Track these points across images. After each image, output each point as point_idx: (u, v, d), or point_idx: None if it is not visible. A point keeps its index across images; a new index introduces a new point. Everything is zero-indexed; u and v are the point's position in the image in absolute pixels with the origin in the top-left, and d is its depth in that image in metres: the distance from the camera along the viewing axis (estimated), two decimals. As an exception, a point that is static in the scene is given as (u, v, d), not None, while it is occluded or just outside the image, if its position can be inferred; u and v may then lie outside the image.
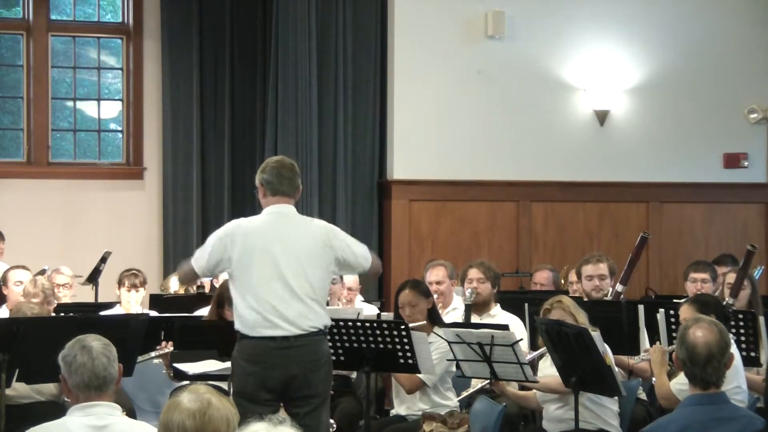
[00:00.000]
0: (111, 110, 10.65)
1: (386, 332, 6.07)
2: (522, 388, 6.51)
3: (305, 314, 5.45)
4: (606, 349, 5.79)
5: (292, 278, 5.44)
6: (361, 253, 5.68)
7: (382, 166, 10.32)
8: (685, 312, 5.84)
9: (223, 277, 7.52)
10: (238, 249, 5.46)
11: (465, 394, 6.60)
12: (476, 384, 6.57)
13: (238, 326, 5.48)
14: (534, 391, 6.30)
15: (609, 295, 7.33)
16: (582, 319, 6.09)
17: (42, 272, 8.03)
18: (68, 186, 10.23)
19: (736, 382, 5.60)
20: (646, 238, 7.83)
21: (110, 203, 10.27)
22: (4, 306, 7.85)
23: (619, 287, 7.46)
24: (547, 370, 6.15)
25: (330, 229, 5.65)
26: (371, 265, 5.76)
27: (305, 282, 5.47)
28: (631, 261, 7.76)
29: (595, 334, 5.75)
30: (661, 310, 6.39)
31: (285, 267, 5.45)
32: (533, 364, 6.43)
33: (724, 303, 6.63)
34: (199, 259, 5.59)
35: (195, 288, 8.61)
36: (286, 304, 5.42)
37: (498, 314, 7.29)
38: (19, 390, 6.41)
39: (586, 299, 7.17)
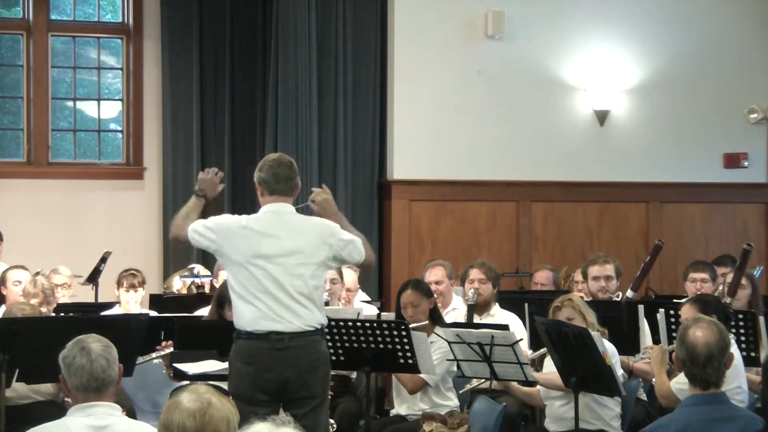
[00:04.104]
0: (111, 110, 10.65)
1: (386, 332, 6.07)
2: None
3: (300, 313, 5.43)
4: (607, 349, 5.80)
5: (286, 278, 5.43)
6: (356, 248, 5.64)
7: (382, 166, 10.32)
8: (687, 312, 5.84)
9: (223, 276, 7.54)
10: (231, 246, 5.46)
11: (468, 387, 6.60)
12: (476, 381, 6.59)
13: (236, 323, 5.48)
14: (539, 388, 6.30)
15: (619, 299, 7.32)
16: (591, 318, 6.10)
17: (36, 274, 7.98)
18: (68, 186, 10.22)
19: (737, 382, 5.60)
20: (661, 246, 7.82)
21: (110, 203, 10.27)
22: (3, 306, 7.84)
23: (629, 293, 7.46)
24: (552, 367, 6.14)
25: (327, 227, 5.63)
26: (364, 258, 5.71)
27: (301, 281, 5.46)
28: (644, 268, 7.77)
29: (595, 334, 5.75)
30: (661, 310, 6.39)
31: (281, 267, 5.43)
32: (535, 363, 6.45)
33: (723, 302, 6.64)
34: (195, 228, 5.60)
35: (195, 288, 8.61)
36: (281, 304, 5.41)
37: (497, 314, 7.29)
38: (18, 390, 6.40)
39: (587, 299, 7.16)
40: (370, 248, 5.81)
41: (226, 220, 5.63)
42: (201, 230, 5.56)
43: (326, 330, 5.89)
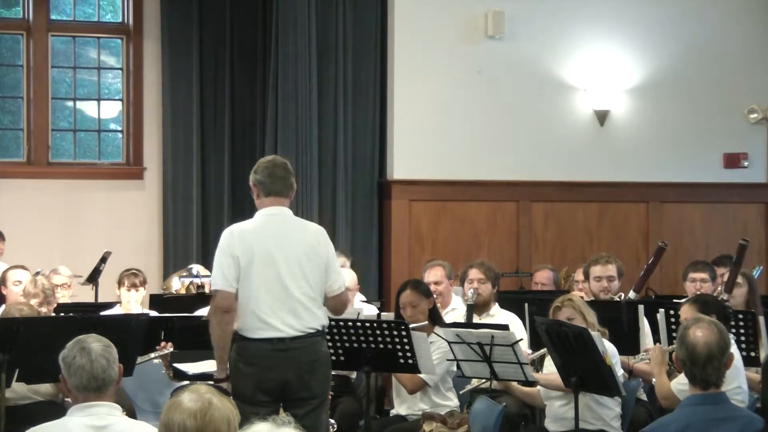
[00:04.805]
0: (111, 110, 10.65)
1: (386, 332, 6.07)
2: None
3: (302, 315, 5.44)
4: (607, 349, 5.79)
5: (289, 279, 5.44)
6: (341, 275, 5.67)
7: (382, 166, 10.32)
8: (686, 312, 5.84)
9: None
10: (237, 251, 5.46)
11: (468, 387, 6.60)
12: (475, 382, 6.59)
13: (235, 327, 5.48)
14: (539, 388, 6.30)
15: (621, 299, 7.32)
16: (591, 318, 6.10)
17: (36, 274, 7.98)
18: (68, 186, 10.22)
19: (737, 382, 5.61)
20: (664, 248, 7.82)
21: (110, 203, 10.27)
22: (4, 306, 7.83)
23: (632, 294, 7.46)
24: (552, 367, 6.15)
25: (325, 234, 5.66)
26: (340, 295, 5.66)
27: (303, 282, 5.47)
28: (647, 270, 7.77)
29: (595, 334, 5.75)
30: (661, 310, 6.39)
31: (283, 268, 5.44)
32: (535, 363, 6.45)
33: (719, 299, 6.63)
34: (217, 280, 5.51)
35: (195, 288, 8.61)
36: (284, 306, 5.42)
37: (497, 314, 7.28)
38: (18, 391, 6.40)
39: (588, 299, 7.16)
40: (348, 297, 5.85)
41: (223, 237, 5.57)
42: (221, 265, 5.46)
43: (326, 330, 5.91)
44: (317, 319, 5.51)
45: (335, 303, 5.69)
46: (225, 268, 5.46)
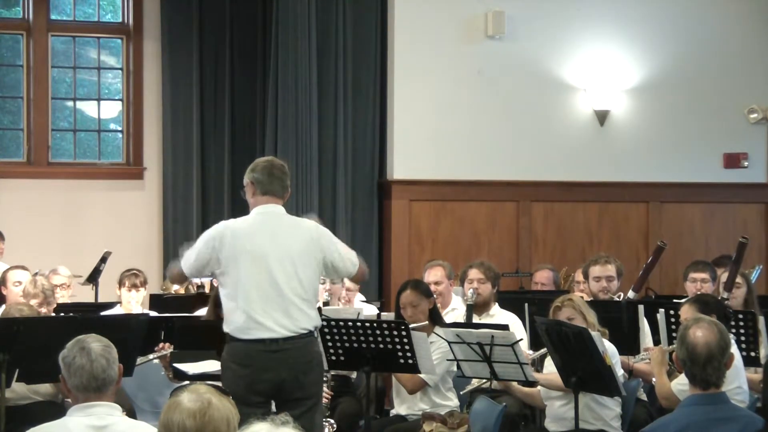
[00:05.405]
0: (111, 110, 10.65)
1: (386, 332, 6.07)
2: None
3: (295, 316, 5.43)
4: (607, 349, 5.79)
5: (282, 279, 5.43)
6: (349, 258, 5.66)
7: (382, 166, 10.32)
8: (686, 312, 5.84)
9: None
10: (226, 250, 5.44)
11: (469, 387, 6.60)
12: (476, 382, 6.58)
13: (226, 329, 5.47)
14: (539, 388, 6.30)
15: (620, 299, 7.32)
16: (591, 318, 6.10)
17: (35, 275, 7.97)
18: (68, 186, 10.23)
19: (737, 382, 5.61)
20: (663, 247, 7.82)
21: (110, 203, 10.27)
22: (4, 306, 7.83)
23: (631, 294, 7.46)
24: (552, 367, 6.14)
25: (320, 230, 5.64)
26: (357, 271, 5.72)
27: (296, 282, 5.45)
28: (645, 269, 7.78)
29: (595, 334, 5.75)
30: (661, 310, 6.39)
31: (276, 267, 5.43)
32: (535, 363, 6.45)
33: (720, 298, 6.64)
34: (187, 260, 5.54)
35: (195, 288, 8.61)
36: (276, 306, 5.40)
37: (497, 314, 7.29)
38: (17, 391, 6.40)
39: (588, 299, 7.15)
40: (364, 263, 5.82)
41: (216, 227, 5.58)
42: (198, 250, 5.49)
43: (326, 330, 5.91)
44: (310, 320, 5.49)
45: (357, 278, 6.12)
46: (199, 258, 5.49)
